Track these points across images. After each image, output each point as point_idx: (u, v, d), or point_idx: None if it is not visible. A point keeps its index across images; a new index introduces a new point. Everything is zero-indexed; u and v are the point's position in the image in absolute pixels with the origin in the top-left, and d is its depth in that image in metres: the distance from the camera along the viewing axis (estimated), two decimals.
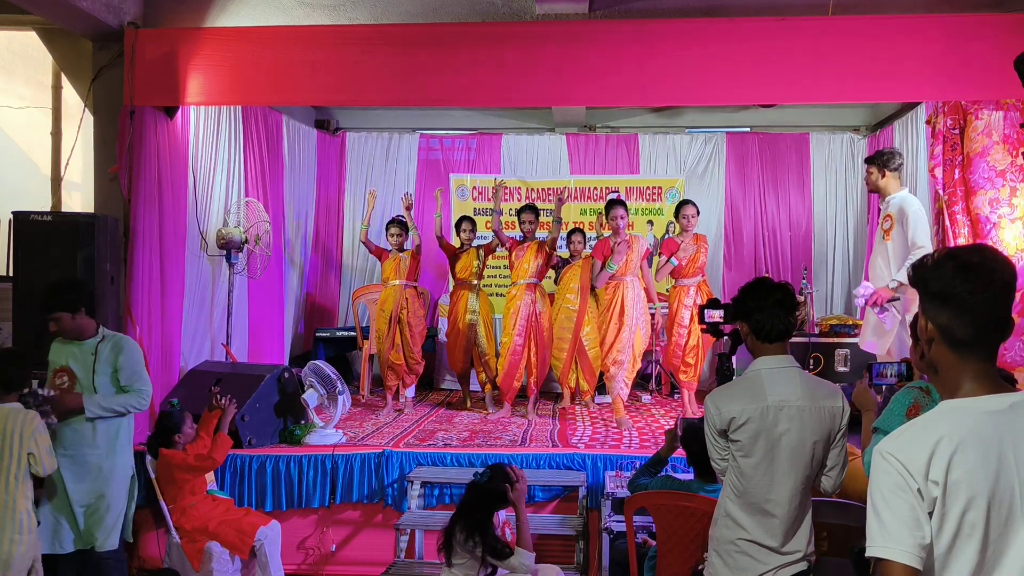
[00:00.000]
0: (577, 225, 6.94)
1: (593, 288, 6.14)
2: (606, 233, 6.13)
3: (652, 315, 6.29)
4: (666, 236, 6.89)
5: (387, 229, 6.45)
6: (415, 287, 6.43)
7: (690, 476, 3.44)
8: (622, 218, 5.75)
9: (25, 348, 4.32)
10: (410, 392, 6.42)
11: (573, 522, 4.41)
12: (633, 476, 3.53)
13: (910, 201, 4.72)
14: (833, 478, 2.43)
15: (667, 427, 4.30)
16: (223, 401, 4.28)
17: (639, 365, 6.04)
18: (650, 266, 6.58)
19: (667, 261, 6.02)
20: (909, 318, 3.95)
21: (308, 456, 4.76)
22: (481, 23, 5.00)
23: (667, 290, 6.70)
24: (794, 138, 8.00)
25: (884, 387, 2.85)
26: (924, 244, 4.40)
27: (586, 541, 4.35)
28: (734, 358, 2.89)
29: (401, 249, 6.38)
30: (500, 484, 3.39)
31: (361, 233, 6.61)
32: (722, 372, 2.86)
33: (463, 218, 6.66)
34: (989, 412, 1.38)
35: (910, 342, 2.63)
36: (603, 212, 6.10)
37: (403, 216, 6.41)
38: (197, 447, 4.14)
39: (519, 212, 6.25)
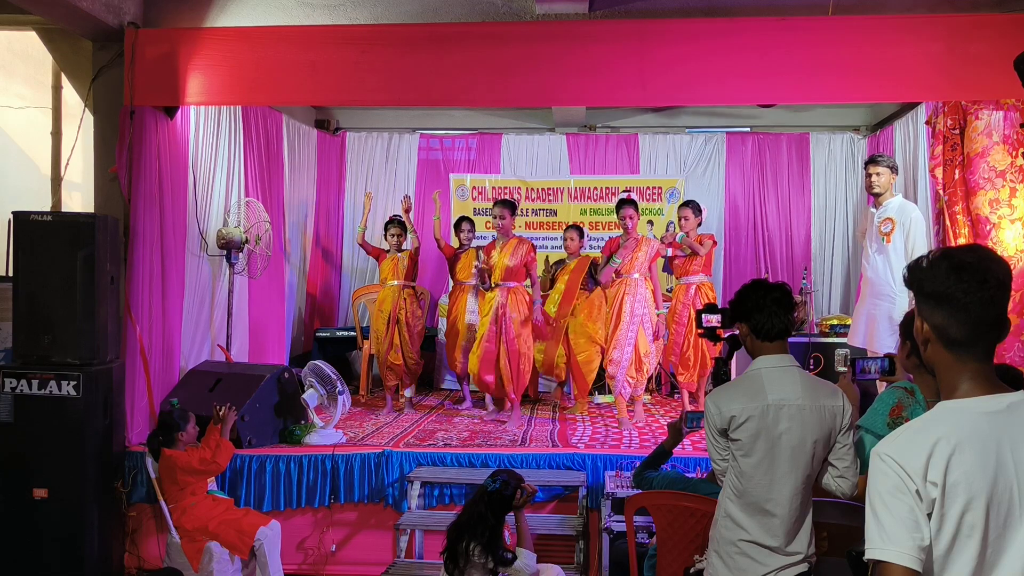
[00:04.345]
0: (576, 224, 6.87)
1: (588, 285, 6.13)
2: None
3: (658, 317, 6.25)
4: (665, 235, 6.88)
5: (386, 229, 6.47)
6: (413, 287, 6.43)
7: (694, 475, 3.43)
8: (631, 217, 5.75)
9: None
10: (410, 392, 6.42)
11: (573, 522, 4.41)
12: (637, 469, 3.49)
13: (911, 207, 4.81)
14: (849, 478, 2.39)
15: (669, 422, 4.28)
16: (223, 410, 4.28)
17: (647, 366, 5.83)
18: (661, 269, 6.54)
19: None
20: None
21: (308, 456, 4.76)
22: (481, 23, 4.99)
23: (669, 289, 6.69)
24: (794, 138, 8.00)
25: (867, 381, 2.85)
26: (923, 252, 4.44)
27: (586, 541, 4.35)
28: (732, 363, 2.89)
29: (399, 249, 6.39)
30: (512, 488, 3.39)
31: (358, 235, 6.62)
32: (719, 377, 2.86)
33: (462, 218, 6.67)
34: (987, 413, 1.38)
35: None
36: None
37: (402, 217, 6.41)
38: (199, 453, 4.14)
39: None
